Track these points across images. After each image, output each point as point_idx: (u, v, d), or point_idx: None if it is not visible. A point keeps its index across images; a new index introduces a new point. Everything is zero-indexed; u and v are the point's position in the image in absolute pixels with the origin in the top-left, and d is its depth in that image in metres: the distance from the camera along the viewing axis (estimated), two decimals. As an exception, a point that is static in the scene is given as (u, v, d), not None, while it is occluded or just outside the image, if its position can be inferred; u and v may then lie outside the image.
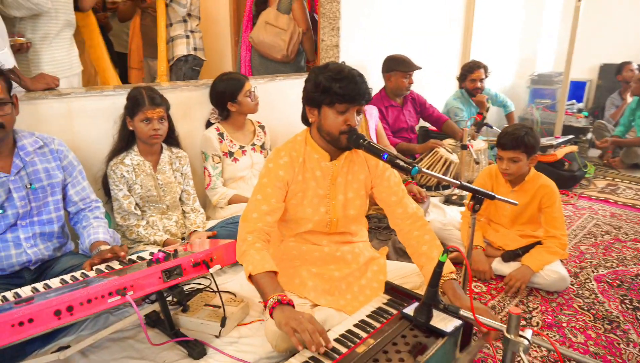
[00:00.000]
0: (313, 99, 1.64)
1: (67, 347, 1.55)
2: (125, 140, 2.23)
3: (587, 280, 2.43)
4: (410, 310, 1.45)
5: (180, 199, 2.43)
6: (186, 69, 3.59)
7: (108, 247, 1.78)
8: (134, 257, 1.77)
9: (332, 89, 1.57)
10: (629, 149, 4.45)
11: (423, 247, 1.71)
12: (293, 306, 1.45)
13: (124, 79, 3.77)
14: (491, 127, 3.61)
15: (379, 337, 1.36)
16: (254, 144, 2.79)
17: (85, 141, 2.31)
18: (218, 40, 4.54)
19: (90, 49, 3.14)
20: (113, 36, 4.04)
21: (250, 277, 1.54)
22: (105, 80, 3.21)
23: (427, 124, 4.10)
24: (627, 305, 2.20)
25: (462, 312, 1.38)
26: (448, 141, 3.78)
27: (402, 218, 1.79)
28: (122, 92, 2.28)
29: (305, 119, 1.76)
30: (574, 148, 4.03)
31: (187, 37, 3.56)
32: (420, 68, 3.53)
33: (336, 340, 1.41)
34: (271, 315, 1.42)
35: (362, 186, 1.82)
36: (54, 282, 1.56)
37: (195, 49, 3.60)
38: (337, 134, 1.64)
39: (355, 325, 1.49)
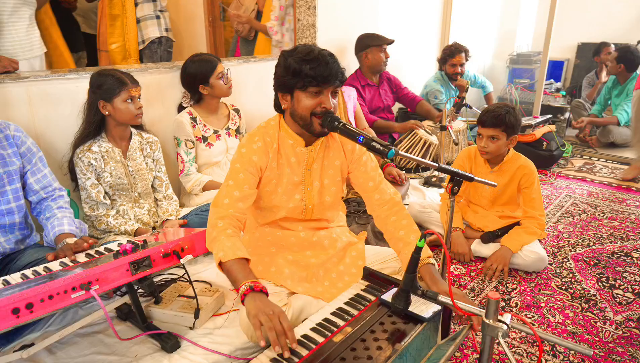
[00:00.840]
0: (284, 84, 1.58)
1: (32, 344, 1.48)
2: (94, 126, 2.13)
3: (565, 259, 2.45)
4: (388, 296, 1.43)
5: (152, 186, 2.35)
6: (162, 51, 3.43)
7: (74, 239, 1.70)
8: (101, 249, 1.70)
9: (302, 71, 1.51)
10: (604, 128, 4.50)
11: (400, 232, 1.68)
12: (266, 293, 1.40)
13: (94, 61, 3.61)
14: (470, 107, 3.59)
15: (357, 325, 1.33)
16: (228, 129, 2.71)
17: (48, 127, 2.20)
18: (191, 20, 4.39)
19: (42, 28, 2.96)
20: (80, 16, 3.86)
21: (220, 265, 1.48)
22: (58, 63, 3.04)
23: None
24: (604, 283, 2.22)
25: (441, 297, 1.35)
26: (427, 123, 3.75)
27: (379, 204, 1.76)
28: (87, 75, 2.17)
29: (277, 106, 1.69)
30: (552, 127, 4.05)
31: (158, 17, 3.40)
32: (393, 41, 3.52)
33: (313, 329, 1.38)
34: (242, 302, 1.37)
35: (338, 172, 1.77)
36: (14, 277, 1.48)
37: (167, 30, 3.46)
38: (309, 117, 1.57)
39: (333, 313, 1.46)
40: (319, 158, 1.73)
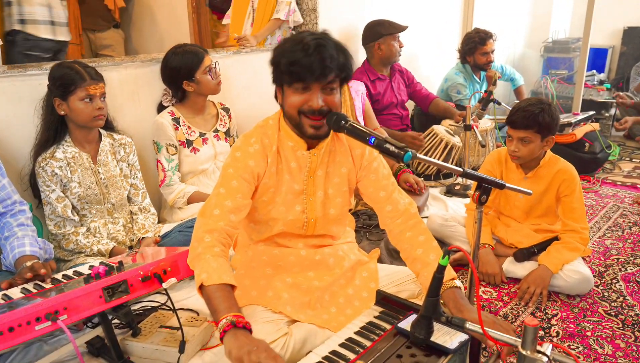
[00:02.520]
0: (274, 77, 1.62)
1: (-12, 385, 1.48)
2: (54, 129, 2.14)
3: (614, 280, 2.44)
4: (406, 324, 1.42)
5: (127, 196, 2.36)
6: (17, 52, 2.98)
7: (36, 262, 1.70)
8: (69, 272, 1.70)
9: (281, 64, 1.53)
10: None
11: (418, 251, 1.68)
12: (250, 331, 1.38)
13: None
14: (499, 103, 3.61)
15: (370, 358, 1.32)
16: (216, 131, 2.73)
17: (5, 132, 2.22)
18: (171, 6, 4.43)
19: None
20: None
21: (201, 288, 1.47)
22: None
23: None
24: (661, 308, 2.21)
25: (469, 325, 1.35)
26: (448, 122, 3.77)
27: (392, 217, 1.76)
28: (48, 71, 2.19)
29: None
30: (596, 125, 4.06)
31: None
32: (407, 27, 3.57)
33: (318, 363, 1.37)
34: (221, 339, 1.34)
35: (345, 180, 1.77)
36: (-31, 307, 1.49)
37: (22, 21, 2.93)
38: (297, 116, 1.57)
39: (342, 345, 1.45)
40: (323, 164, 1.73)
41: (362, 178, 1.78)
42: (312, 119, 1.56)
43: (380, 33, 3.54)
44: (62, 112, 2.11)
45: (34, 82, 2.26)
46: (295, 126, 1.62)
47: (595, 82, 5.37)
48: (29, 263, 1.70)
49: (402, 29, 3.56)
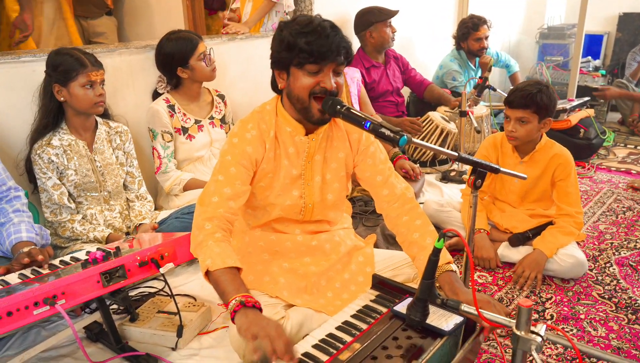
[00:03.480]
0: (280, 60, 1.60)
1: (-13, 370, 1.50)
2: (52, 115, 2.14)
3: (608, 264, 2.46)
4: (402, 307, 1.44)
5: (123, 184, 2.36)
6: None
7: (33, 248, 1.71)
8: (67, 258, 1.71)
9: (298, 45, 1.52)
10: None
11: (414, 235, 1.69)
12: (260, 309, 1.41)
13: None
14: (494, 90, 3.61)
15: (367, 341, 1.34)
16: (212, 118, 2.72)
17: (0, 118, 2.21)
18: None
19: None
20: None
21: (207, 274, 1.49)
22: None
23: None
24: (653, 291, 2.23)
25: (464, 307, 1.37)
26: (443, 108, 3.77)
27: (388, 201, 1.77)
28: (44, 57, 2.17)
29: (275, 86, 1.71)
30: (590, 111, 4.07)
31: None
32: (398, 11, 3.54)
33: (315, 346, 1.39)
34: (232, 319, 1.37)
35: (342, 165, 1.78)
36: (-34, 293, 1.49)
37: None
38: (307, 99, 1.58)
39: (338, 328, 1.47)
40: (321, 149, 1.74)
41: (359, 162, 1.79)
42: (321, 101, 1.56)
43: (370, 21, 3.52)
44: (62, 99, 2.10)
45: (28, 69, 2.25)
46: (302, 110, 1.62)
47: (591, 69, 5.38)
48: (26, 249, 1.71)
49: (392, 14, 3.54)
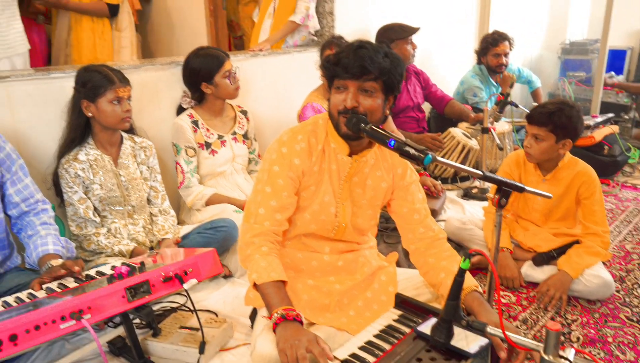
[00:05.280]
0: (326, 74, 1.67)
1: (13, 383, 1.51)
2: (80, 130, 2.18)
3: (635, 285, 2.41)
4: (426, 327, 1.42)
5: (147, 198, 2.39)
6: None
7: (60, 261, 1.73)
8: (92, 272, 1.73)
9: (327, 59, 1.60)
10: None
11: (442, 263, 1.71)
12: (301, 322, 1.47)
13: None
14: (516, 106, 3.58)
15: (390, 361, 1.32)
16: (234, 133, 2.75)
17: (30, 133, 2.26)
18: (188, 10, 4.47)
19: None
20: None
21: (255, 287, 1.58)
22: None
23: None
24: (683, 314, 2.18)
25: (490, 329, 1.35)
26: (464, 125, 3.75)
27: (421, 238, 1.79)
28: (73, 74, 2.22)
29: None
30: (615, 128, 4.01)
31: None
32: (418, 29, 3.52)
33: (338, 366, 1.38)
34: (274, 331, 1.45)
35: (381, 195, 1.79)
36: (-5, 305, 1.52)
37: None
38: (336, 115, 1.62)
39: (361, 348, 1.46)
40: (361, 173, 1.75)
41: (397, 197, 1.81)
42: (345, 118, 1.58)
43: (391, 38, 3.52)
44: (90, 114, 2.14)
45: (57, 85, 2.30)
46: (334, 126, 1.65)
47: (614, 80, 5.30)
48: (59, 261, 1.73)
49: (413, 31, 3.52)
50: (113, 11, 3.23)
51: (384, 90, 1.61)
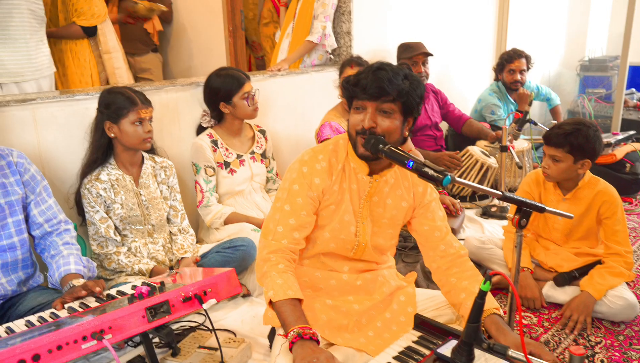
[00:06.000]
0: (344, 93, 1.69)
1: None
2: (102, 151, 2.22)
3: (661, 307, 2.35)
4: (446, 349, 1.40)
5: (167, 217, 2.41)
6: None
7: (81, 281, 1.75)
8: (113, 292, 1.75)
9: (347, 80, 1.62)
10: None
11: (464, 282, 1.69)
12: (317, 341, 1.46)
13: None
14: (535, 123, 3.56)
15: (410, 384, 1.31)
16: (253, 153, 2.77)
17: (54, 154, 2.31)
18: (208, 31, 4.55)
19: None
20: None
21: (270, 304, 1.57)
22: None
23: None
24: None
25: (511, 352, 1.33)
26: (483, 143, 3.73)
27: (442, 256, 1.78)
28: (97, 96, 2.27)
29: None
30: (637, 145, 3.95)
31: None
32: (429, 54, 3.51)
33: (357, 388, 1.37)
34: (291, 350, 1.44)
35: (402, 215, 1.80)
36: (18, 325, 1.54)
37: None
38: (354, 135, 1.63)
39: (380, 370, 1.45)
40: (381, 192, 1.75)
41: (418, 215, 1.81)
42: (363, 138, 1.60)
43: (399, 57, 3.55)
44: (112, 135, 2.19)
45: (81, 107, 2.35)
46: (353, 146, 1.66)
47: (635, 101, 5.24)
48: (81, 281, 1.76)
49: (419, 51, 3.47)
50: (89, 33, 3.11)
51: (403, 111, 1.61)
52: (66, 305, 1.63)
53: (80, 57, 3.15)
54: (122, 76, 3.30)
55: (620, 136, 3.98)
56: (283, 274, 1.59)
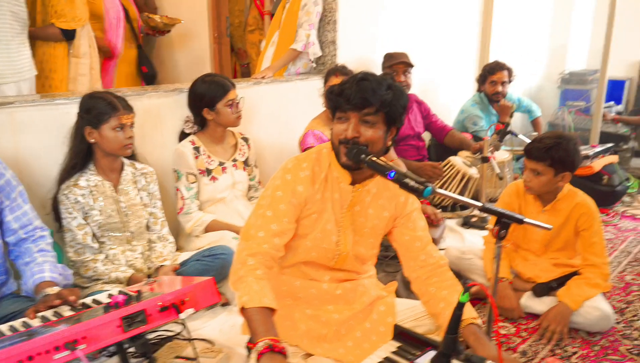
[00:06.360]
0: (328, 103, 1.69)
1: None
2: (81, 156, 2.18)
3: (635, 317, 2.38)
4: (424, 360, 1.41)
5: (146, 225, 2.38)
6: None
7: (56, 289, 1.71)
8: (88, 301, 1.71)
9: (331, 90, 1.62)
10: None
11: (443, 292, 1.69)
12: (285, 355, 1.39)
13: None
14: (516, 135, 3.60)
15: (387, 396, 1.31)
16: (235, 160, 2.75)
17: (32, 158, 2.27)
18: (193, 36, 4.53)
19: None
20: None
21: (242, 310, 1.49)
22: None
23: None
24: (685, 348, 2.14)
25: (488, 364, 1.33)
26: (464, 153, 3.76)
27: (423, 265, 1.78)
28: (78, 100, 2.24)
29: None
30: (614, 158, 4.02)
31: None
32: (410, 64, 3.52)
33: (334, 400, 1.36)
34: (258, 361, 1.37)
35: (383, 225, 1.79)
36: (-12, 334, 1.50)
37: None
38: (337, 145, 1.62)
39: (358, 381, 1.44)
40: (363, 202, 1.75)
41: (399, 225, 1.81)
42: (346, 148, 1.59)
43: (382, 66, 3.56)
44: (92, 140, 2.15)
45: (62, 111, 2.31)
46: (336, 156, 1.66)
47: (614, 114, 5.33)
48: (55, 289, 1.71)
49: (399, 60, 3.48)
50: (68, 36, 2.99)
51: (386, 121, 1.61)
52: (39, 314, 1.59)
53: (57, 60, 3.08)
54: (83, 84, 3.15)
55: (599, 149, 4.04)
56: (260, 281, 1.53)
